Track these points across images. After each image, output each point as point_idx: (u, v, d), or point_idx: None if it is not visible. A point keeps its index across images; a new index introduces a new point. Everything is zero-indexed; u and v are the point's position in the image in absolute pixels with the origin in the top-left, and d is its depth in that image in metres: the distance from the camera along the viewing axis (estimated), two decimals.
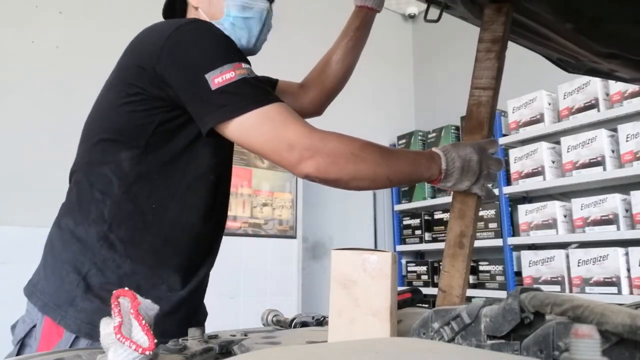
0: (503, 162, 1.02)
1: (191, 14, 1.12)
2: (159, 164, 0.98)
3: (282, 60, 4.10)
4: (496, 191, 3.52)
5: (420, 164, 0.96)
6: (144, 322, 0.54)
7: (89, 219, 0.97)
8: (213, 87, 0.87)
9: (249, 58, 1.02)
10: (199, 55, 0.91)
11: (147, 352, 0.52)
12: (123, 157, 0.96)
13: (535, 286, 0.95)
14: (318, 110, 1.45)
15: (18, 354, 0.96)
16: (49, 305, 0.95)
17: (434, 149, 0.99)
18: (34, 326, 0.96)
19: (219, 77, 0.87)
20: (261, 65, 1.21)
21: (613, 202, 2.88)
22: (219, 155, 1.05)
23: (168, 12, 1.17)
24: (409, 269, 4.16)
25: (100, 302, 0.93)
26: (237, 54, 0.94)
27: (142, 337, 0.53)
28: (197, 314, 1.11)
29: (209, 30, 0.95)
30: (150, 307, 0.57)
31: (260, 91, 0.91)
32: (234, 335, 0.81)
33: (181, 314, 1.00)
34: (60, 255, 0.98)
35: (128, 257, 0.96)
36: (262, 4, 1.10)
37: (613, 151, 2.97)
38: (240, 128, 0.89)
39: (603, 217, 2.92)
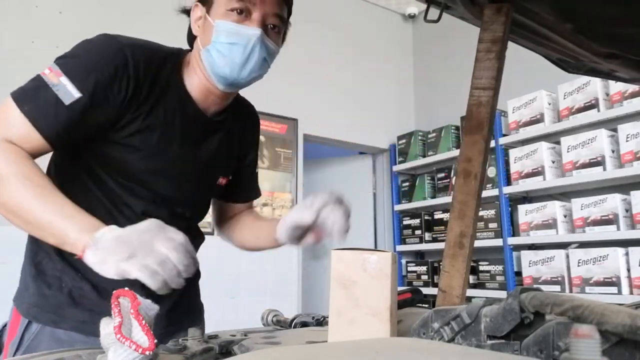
0: (179, 248, 0.77)
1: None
2: (86, 164, 1.01)
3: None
4: (496, 191, 3.52)
5: (74, 221, 0.81)
6: (144, 322, 0.54)
7: None
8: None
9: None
10: (67, 52, 0.96)
11: (147, 352, 0.52)
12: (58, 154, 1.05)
13: (535, 286, 0.95)
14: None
15: None
16: (17, 294, 1.03)
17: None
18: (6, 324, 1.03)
19: (47, 69, 0.92)
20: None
21: (613, 202, 2.88)
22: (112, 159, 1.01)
23: (189, 39, 1.16)
24: (409, 269, 4.16)
25: (47, 288, 0.99)
26: (74, 66, 0.92)
27: (142, 337, 0.53)
28: (170, 309, 1.08)
29: (93, 40, 0.97)
30: (150, 307, 0.57)
31: (34, 97, 0.90)
32: (234, 335, 0.81)
33: None
34: (26, 247, 1.06)
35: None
36: (250, 31, 0.99)
37: (613, 151, 2.97)
38: None
39: (603, 217, 2.92)
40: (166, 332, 1.06)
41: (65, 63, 0.93)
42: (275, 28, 1.04)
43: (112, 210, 1.00)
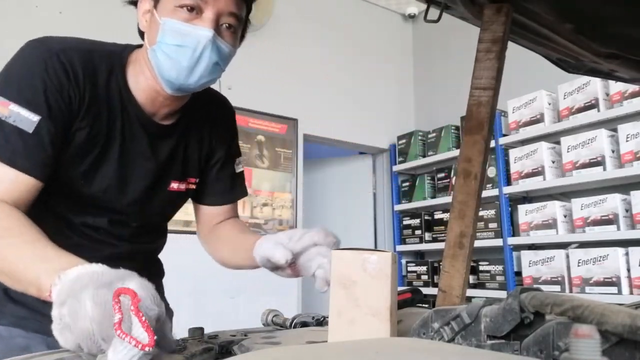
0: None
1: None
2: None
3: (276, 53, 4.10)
4: (496, 191, 3.52)
5: (44, 266, 0.68)
6: (144, 318, 0.54)
7: None
8: None
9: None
10: None
11: (147, 349, 0.52)
12: None
13: (535, 286, 0.95)
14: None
15: None
16: None
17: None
18: None
19: None
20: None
21: (613, 202, 2.88)
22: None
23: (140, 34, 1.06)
24: (409, 269, 4.16)
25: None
26: (17, 90, 0.84)
27: (142, 334, 0.53)
28: None
29: (23, 53, 0.90)
30: (150, 307, 0.57)
31: None
32: (234, 335, 0.81)
33: None
34: None
35: None
36: (200, 32, 0.89)
37: (613, 151, 2.97)
38: None
39: (603, 217, 2.92)
40: None
41: (5, 89, 0.85)
42: (231, 28, 0.93)
43: (57, 222, 0.94)
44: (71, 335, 0.57)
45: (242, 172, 1.22)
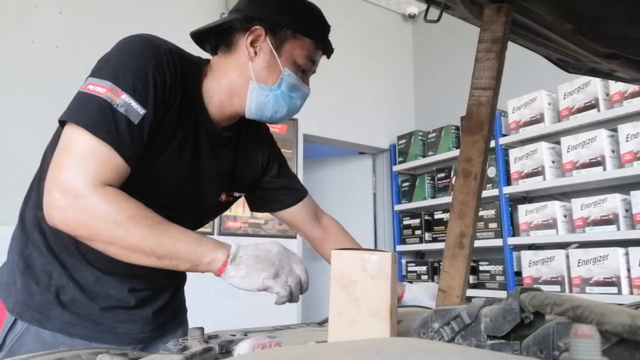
0: (304, 279, 0.94)
1: (239, 54, 1.05)
2: None
3: None
4: (496, 191, 3.52)
5: (203, 243, 0.87)
6: None
7: (30, 203, 1.02)
8: (81, 89, 0.89)
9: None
10: (103, 61, 0.93)
11: None
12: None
13: (535, 286, 0.95)
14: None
15: None
16: (2, 285, 1.00)
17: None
18: None
19: (92, 85, 0.87)
20: None
21: (613, 202, 2.88)
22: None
23: (200, 37, 1.11)
24: (409, 269, 4.16)
25: (35, 284, 0.97)
26: (131, 82, 0.88)
27: None
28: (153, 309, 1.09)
29: (133, 47, 0.93)
30: None
31: (105, 121, 0.85)
32: (234, 335, 0.81)
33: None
34: (13, 237, 1.04)
35: (55, 245, 0.99)
36: (307, 90, 1.11)
37: (613, 151, 2.97)
38: (62, 134, 0.88)
39: (603, 217, 2.92)
40: (151, 335, 1.08)
41: (119, 76, 0.88)
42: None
43: None
44: (294, 294, 0.91)
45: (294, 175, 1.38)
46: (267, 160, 1.26)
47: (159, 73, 0.91)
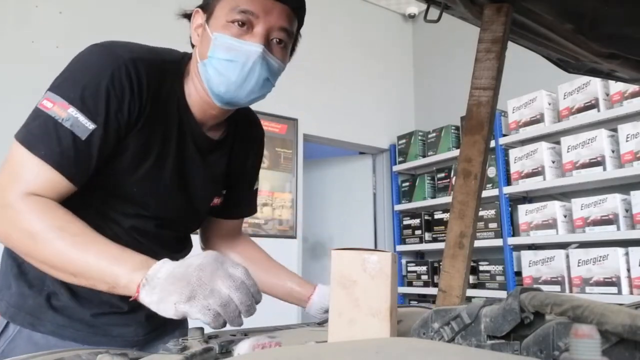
0: (241, 287, 0.73)
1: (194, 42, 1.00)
2: None
3: None
4: (496, 191, 3.52)
5: (122, 262, 0.76)
6: None
7: None
8: (37, 105, 0.86)
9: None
10: (60, 73, 0.89)
11: None
12: None
13: (535, 286, 0.95)
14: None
15: None
16: None
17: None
18: None
19: (45, 100, 0.84)
20: None
21: (613, 202, 2.88)
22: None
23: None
24: (409, 269, 4.16)
25: (28, 287, 0.95)
26: (79, 96, 0.84)
27: None
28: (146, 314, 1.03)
29: (89, 58, 0.89)
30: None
31: (47, 138, 0.82)
32: (234, 335, 0.81)
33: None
34: None
35: None
36: (251, 47, 0.89)
37: (613, 151, 2.98)
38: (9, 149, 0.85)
39: (603, 217, 2.93)
40: (145, 339, 1.06)
41: (68, 91, 0.84)
42: (281, 43, 0.94)
43: (99, 226, 0.90)
44: (222, 319, 0.72)
45: (257, 190, 1.27)
46: (248, 165, 1.19)
47: (114, 86, 0.86)
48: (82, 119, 0.83)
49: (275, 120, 3.90)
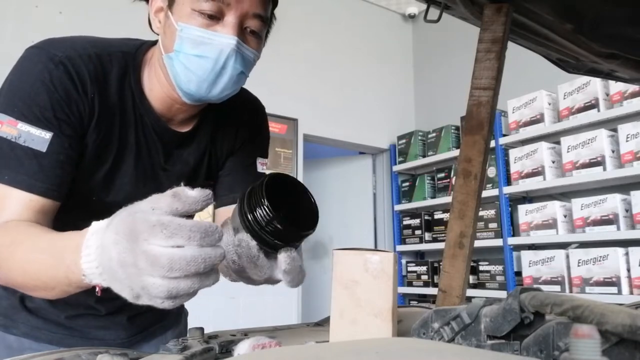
0: (161, 263, 0.51)
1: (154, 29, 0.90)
2: None
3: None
4: (496, 191, 3.52)
5: (61, 261, 0.62)
6: None
7: None
8: None
9: None
10: (0, 90, 0.80)
11: None
12: None
13: (535, 286, 0.95)
14: None
15: None
16: None
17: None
18: None
19: None
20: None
21: (613, 202, 2.88)
22: None
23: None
24: (409, 269, 4.16)
25: (2, 289, 0.92)
26: (25, 107, 0.76)
27: None
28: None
29: (24, 64, 0.80)
30: None
31: (4, 163, 0.75)
32: (234, 335, 0.81)
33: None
34: None
35: None
36: (223, 40, 0.78)
37: (613, 151, 2.98)
38: None
39: (603, 217, 2.93)
40: (129, 341, 1.02)
41: (11, 106, 0.77)
42: (255, 32, 0.83)
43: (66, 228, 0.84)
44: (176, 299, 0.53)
45: (263, 174, 1.10)
46: (237, 149, 1.06)
47: (55, 88, 0.78)
48: (35, 130, 0.76)
49: (275, 120, 3.90)
